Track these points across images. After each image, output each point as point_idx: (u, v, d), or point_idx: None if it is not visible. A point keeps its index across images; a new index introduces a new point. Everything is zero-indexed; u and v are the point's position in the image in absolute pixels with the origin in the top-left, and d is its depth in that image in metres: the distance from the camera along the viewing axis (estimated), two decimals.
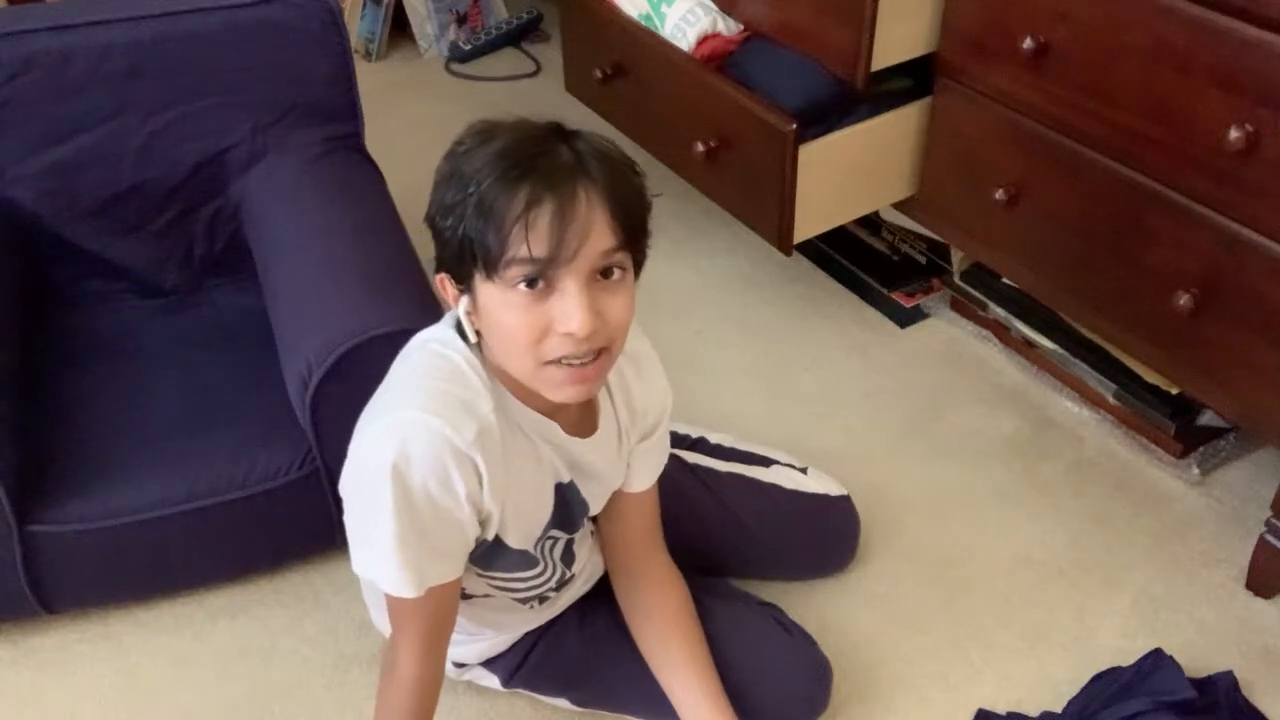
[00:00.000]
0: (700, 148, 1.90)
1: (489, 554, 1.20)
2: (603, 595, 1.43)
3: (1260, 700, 1.48)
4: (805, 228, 1.89)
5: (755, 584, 1.59)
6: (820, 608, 1.60)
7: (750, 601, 1.48)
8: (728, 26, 1.94)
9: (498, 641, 1.39)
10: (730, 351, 2.06)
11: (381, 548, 1.09)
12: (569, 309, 0.99)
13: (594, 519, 1.38)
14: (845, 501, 1.61)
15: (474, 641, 1.39)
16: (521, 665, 1.41)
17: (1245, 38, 1.35)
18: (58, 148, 1.69)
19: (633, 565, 1.38)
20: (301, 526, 1.60)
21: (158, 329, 1.77)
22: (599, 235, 0.98)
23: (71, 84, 1.66)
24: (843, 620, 1.58)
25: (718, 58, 1.94)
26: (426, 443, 1.05)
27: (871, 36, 1.66)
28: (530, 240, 0.95)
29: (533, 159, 0.97)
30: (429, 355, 1.12)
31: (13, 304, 1.67)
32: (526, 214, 0.95)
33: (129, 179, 1.74)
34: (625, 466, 1.30)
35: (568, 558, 1.33)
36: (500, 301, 1.00)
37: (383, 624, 1.41)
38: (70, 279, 1.79)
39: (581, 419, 1.21)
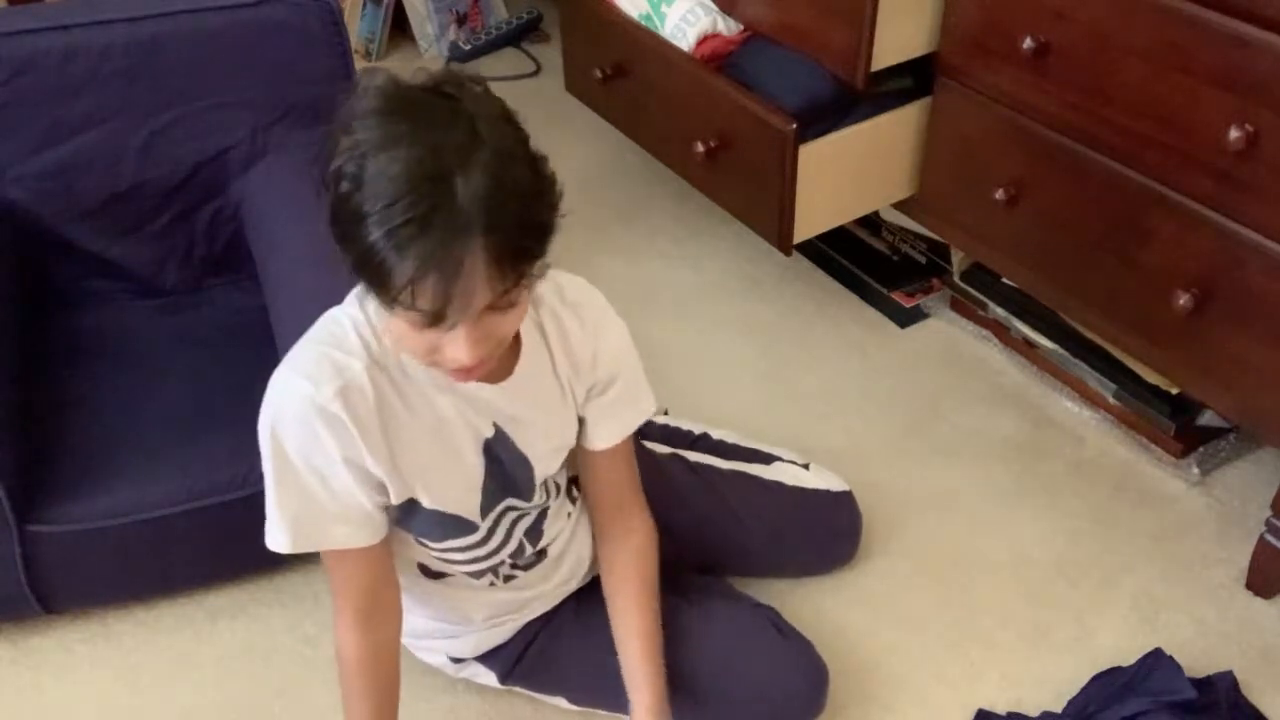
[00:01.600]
0: (700, 148, 1.90)
1: (405, 515, 1.20)
2: (593, 600, 1.43)
3: (1260, 700, 1.48)
4: (805, 228, 1.89)
5: (755, 584, 1.59)
6: (820, 607, 1.60)
7: (747, 603, 1.48)
8: (728, 26, 1.94)
9: (492, 634, 1.39)
10: (730, 351, 2.06)
11: (268, 501, 1.15)
12: (457, 351, 0.99)
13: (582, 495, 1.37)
14: (847, 497, 1.61)
15: (464, 634, 1.39)
16: (519, 661, 1.41)
17: (1245, 38, 1.35)
18: (58, 148, 1.69)
19: (603, 524, 1.36)
20: None
21: (158, 329, 1.77)
22: (486, 288, 0.94)
23: (71, 84, 1.66)
24: (842, 620, 1.58)
25: (718, 58, 1.94)
26: (294, 402, 1.09)
27: (871, 36, 1.66)
28: (417, 302, 0.93)
29: (426, 215, 0.90)
30: (324, 320, 1.15)
31: (13, 304, 1.67)
32: (413, 284, 0.92)
33: (129, 179, 1.74)
34: (573, 418, 1.26)
35: (533, 534, 1.31)
36: (392, 319, 0.99)
37: None
38: (70, 279, 1.79)
39: (497, 365, 1.13)
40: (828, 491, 1.60)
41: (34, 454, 1.52)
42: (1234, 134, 1.37)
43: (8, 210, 1.70)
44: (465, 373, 1.04)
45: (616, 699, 1.41)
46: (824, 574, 1.64)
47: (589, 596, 1.43)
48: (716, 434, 1.68)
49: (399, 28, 3.05)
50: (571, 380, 1.24)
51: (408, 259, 0.90)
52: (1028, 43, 1.58)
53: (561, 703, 1.44)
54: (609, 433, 1.30)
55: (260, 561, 1.65)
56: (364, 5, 2.98)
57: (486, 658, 1.42)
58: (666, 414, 1.74)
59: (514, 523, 1.28)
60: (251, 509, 1.52)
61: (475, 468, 1.20)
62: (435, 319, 0.94)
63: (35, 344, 1.69)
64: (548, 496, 1.31)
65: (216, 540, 1.56)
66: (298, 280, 1.60)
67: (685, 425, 1.69)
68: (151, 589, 1.62)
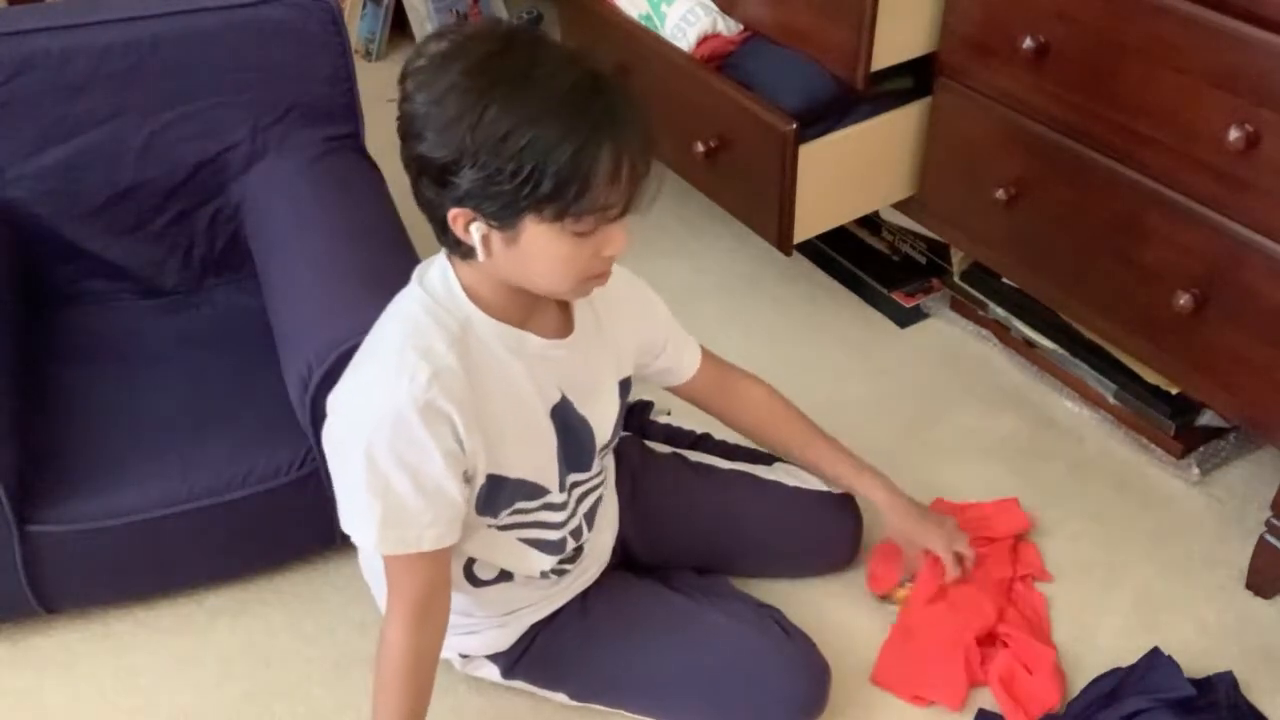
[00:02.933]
0: (700, 148, 1.90)
1: (491, 493, 1.21)
2: (604, 587, 1.43)
3: (1260, 700, 1.48)
4: (805, 228, 1.89)
5: (757, 584, 1.59)
6: (820, 608, 1.59)
7: (749, 603, 1.48)
8: (728, 26, 1.94)
9: (505, 634, 1.40)
10: (730, 351, 2.06)
11: (353, 501, 1.15)
12: (618, 239, 1.10)
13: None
14: (848, 498, 1.61)
15: (483, 631, 1.39)
16: (522, 656, 1.42)
17: (1245, 38, 1.35)
18: (58, 148, 1.69)
19: (725, 406, 1.54)
20: (301, 526, 1.60)
21: (158, 329, 1.77)
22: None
23: (71, 84, 1.66)
24: (843, 620, 1.58)
25: (718, 58, 1.94)
26: (389, 410, 1.11)
27: (871, 36, 1.66)
28: (612, 192, 1.05)
29: (607, 112, 1.03)
30: (393, 319, 1.18)
31: (13, 304, 1.67)
32: (616, 170, 1.03)
33: (129, 179, 1.74)
34: (615, 373, 1.33)
35: (590, 517, 1.35)
36: (552, 239, 1.07)
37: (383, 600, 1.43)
38: (70, 279, 1.79)
39: (559, 322, 1.25)
40: (828, 492, 1.60)
41: (34, 454, 1.52)
42: (1234, 134, 1.37)
43: (8, 210, 1.70)
44: (604, 275, 1.15)
45: (617, 693, 1.42)
46: (825, 574, 1.64)
47: (590, 592, 1.43)
48: (719, 434, 1.68)
49: (399, 28, 3.05)
50: (619, 338, 1.31)
51: (606, 142, 1.02)
52: (1027, 43, 1.58)
53: (562, 699, 1.45)
54: (690, 358, 1.47)
55: (260, 561, 1.65)
56: (364, 5, 2.98)
57: (493, 653, 1.43)
58: (669, 414, 1.74)
59: (580, 498, 1.32)
60: (251, 509, 1.53)
61: (549, 433, 1.24)
62: (623, 210, 1.07)
63: (35, 344, 1.69)
64: (603, 474, 1.35)
65: (216, 540, 1.56)
66: (298, 280, 1.60)
67: (687, 425, 1.69)
68: (151, 589, 1.62)
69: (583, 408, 1.27)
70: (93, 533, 1.48)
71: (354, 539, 1.18)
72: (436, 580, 1.21)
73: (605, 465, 1.39)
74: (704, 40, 1.93)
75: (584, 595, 1.43)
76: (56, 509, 1.47)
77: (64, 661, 1.56)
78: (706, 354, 1.51)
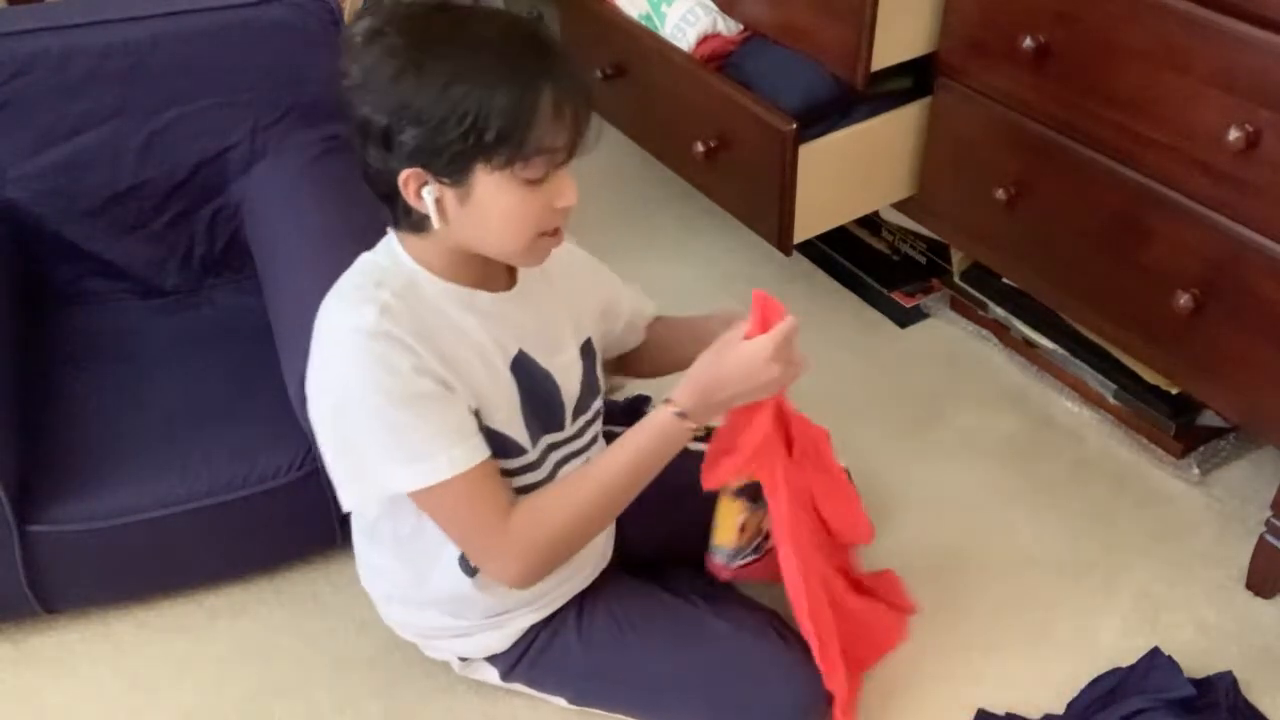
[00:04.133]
0: (700, 148, 1.90)
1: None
2: (602, 591, 1.43)
3: (1260, 700, 1.48)
4: (805, 228, 1.89)
5: (758, 586, 1.59)
6: None
7: (749, 607, 1.48)
8: (728, 26, 1.94)
9: (500, 636, 1.40)
10: None
11: (374, 458, 1.14)
12: (567, 187, 1.12)
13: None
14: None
15: (475, 634, 1.39)
16: (521, 659, 1.41)
17: (1245, 38, 1.35)
18: (58, 148, 1.69)
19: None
20: (301, 526, 1.60)
21: (158, 329, 1.77)
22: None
23: (71, 84, 1.66)
24: None
25: (718, 58, 1.94)
26: (349, 341, 1.12)
27: (871, 36, 1.66)
28: (557, 132, 1.06)
29: (541, 55, 1.06)
30: (332, 297, 1.19)
31: (13, 304, 1.67)
32: (559, 109, 1.05)
33: (129, 179, 1.74)
34: (575, 333, 1.33)
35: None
36: (504, 189, 1.09)
37: (383, 605, 1.44)
38: (70, 279, 1.79)
39: (506, 282, 1.26)
40: None
41: (34, 454, 1.52)
42: (1234, 134, 1.37)
43: (8, 210, 1.70)
44: (558, 233, 1.16)
45: (614, 698, 1.41)
46: None
47: (589, 596, 1.43)
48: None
49: None
50: (574, 299, 1.34)
51: (545, 87, 1.04)
52: (1027, 42, 1.58)
53: (560, 702, 1.45)
54: (637, 303, 1.46)
55: (260, 561, 1.65)
56: (364, 5, 2.98)
57: (492, 656, 1.43)
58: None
59: (559, 463, 1.31)
60: (251, 509, 1.53)
61: (510, 386, 1.24)
62: (569, 151, 1.09)
63: (35, 344, 1.69)
64: (585, 440, 1.35)
65: (216, 540, 1.56)
66: (298, 280, 1.60)
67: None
68: (151, 589, 1.62)
69: (545, 361, 1.28)
70: (93, 533, 1.48)
71: (390, 490, 1.16)
72: (500, 496, 1.19)
73: (593, 434, 1.38)
74: (704, 40, 1.94)
75: (581, 598, 1.42)
76: (56, 509, 1.47)
77: (64, 661, 1.56)
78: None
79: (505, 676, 1.43)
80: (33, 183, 1.70)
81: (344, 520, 1.60)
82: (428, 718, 1.49)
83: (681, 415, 1.20)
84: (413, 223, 1.15)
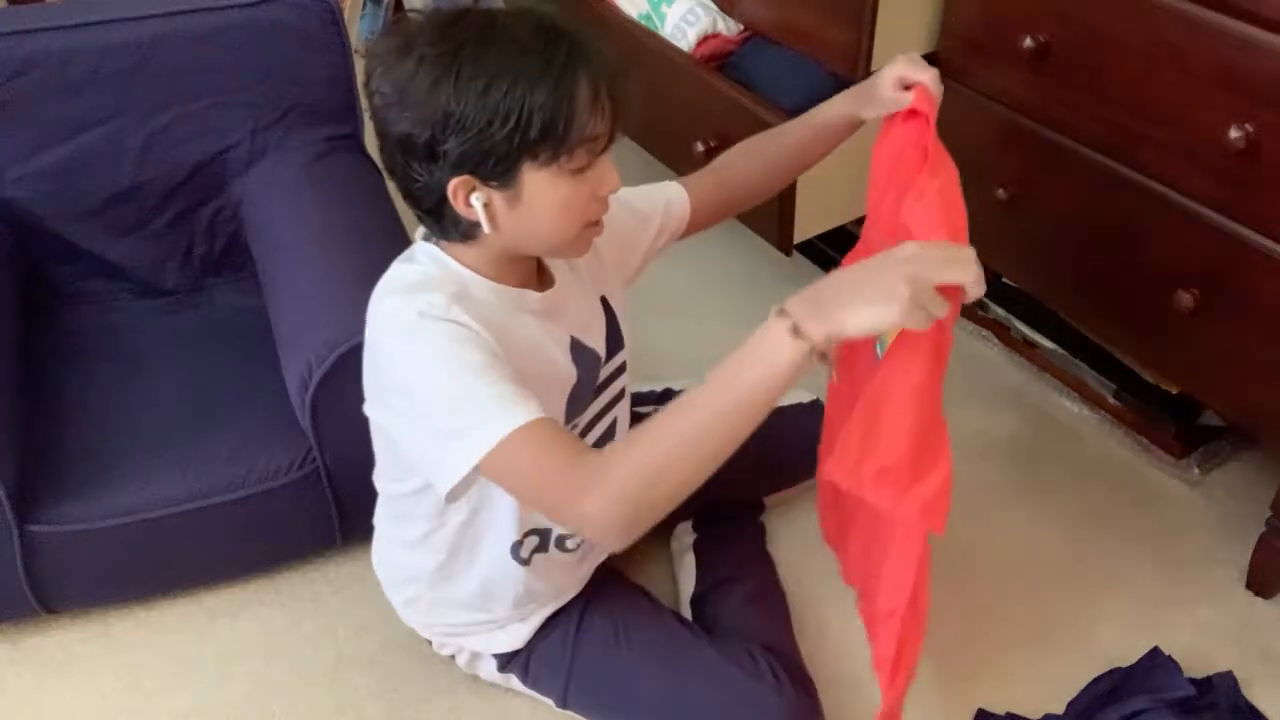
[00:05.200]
0: (700, 148, 1.90)
1: None
2: (606, 596, 1.43)
3: (1260, 700, 1.48)
4: (805, 228, 1.89)
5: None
6: (819, 609, 1.60)
7: (753, 645, 1.43)
8: (728, 26, 1.94)
9: (525, 628, 1.40)
10: (730, 351, 2.06)
11: (467, 420, 1.06)
12: (610, 173, 1.13)
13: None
14: (816, 404, 1.63)
15: (507, 624, 1.39)
16: (518, 652, 1.42)
17: (1245, 38, 1.35)
18: (58, 148, 1.69)
19: (724, 188, 1.47)
20: (301, 526, 1.60)
21: (158, 329, 1.77)
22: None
23: (71, 84, 1.66)
24: (842, 621, 1.58)
25: (718, 58, 1.94)
26: (423, 324, 1.08)
27: (871, 36, 1.67)
28: (597, 120, 1.07)
29: (573, 47, 1.06)
30: (388, 294, 1.16)
31: (13, 304, 1.67)
32: (595, 96, 1.06)
33: (129, 179, 1.74)
34: (598, 299, 1.33)
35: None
36: (553, 184, 1.09)
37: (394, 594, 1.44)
38: (70, 279, 1.79)
39: (544, 278, 1.26)
40: (799, 404, 1.64)
41: (34, 454, 1.52)
42: (1234, 134, 1.37)
43: (8, 210, 1.70)
44: (599, 223, 1.16)
45: (596, 707, 1.41)
46: (809, 481, 1.64)
47: (595, 597, 1.43)
48: (678, 385, 1.68)
49: None
50: (601, 274, 1.33)
51: (582, 75, 1.05)
52: (1027, 42, 1.58)
53: (550, 704, 1.44)
54: (674, 193, 1.41)
55: (260, 561, 1.65)
56: (364, 5, 2.98)
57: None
58: None
59: (581, 434, 1.32)
60: (251, 509, 1.53)
61: (570, 374, 1.25)
62: (609, 136, 1.10)
63: (35, 344, 1.69)
64: (603, 413, 1.35)
65: (216, 540, 1.56)
66: (298, 280, 1.60)
67: (646, 386, 1.70)
68: (151, 589, 1.62)
69: (588, 340, 1.29)
70: (93, 533, 1.48)
71: (490, 444, 1.05)
72: (580, 441, 1.13)
73: (616, 412, 1.38)
74: (704, 40, 1.94)
75: (588, 598, 1.43)
76: (56, 509, 1.47)
77: (64, 661, 1.56)
78: (683, 181, 1.45)
79: (502, 668, 1.44)
80: (33, 182, 1.70)
81: (344, 520, 1.60)
82: (428, 718, 1.49)
83: (794, 330, 1.01)
84: (462, 232, 1.13)
